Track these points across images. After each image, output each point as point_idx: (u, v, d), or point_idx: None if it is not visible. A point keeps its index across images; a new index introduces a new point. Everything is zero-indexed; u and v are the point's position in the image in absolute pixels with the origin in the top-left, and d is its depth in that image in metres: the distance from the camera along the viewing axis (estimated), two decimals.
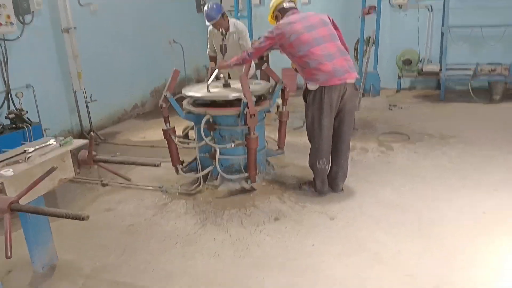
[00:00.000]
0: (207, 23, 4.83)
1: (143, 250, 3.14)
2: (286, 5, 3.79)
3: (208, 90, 4.15)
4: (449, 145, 5.07)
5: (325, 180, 3.85)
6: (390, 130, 5.76)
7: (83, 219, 1.94)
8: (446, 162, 4.56)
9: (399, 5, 8.12)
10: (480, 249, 2.95)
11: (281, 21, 3.70)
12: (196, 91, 4.19)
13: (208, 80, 4.31)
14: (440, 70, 7.44)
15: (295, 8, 3.83)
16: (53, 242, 2.99)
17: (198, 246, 3.14)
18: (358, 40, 8.11)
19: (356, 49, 8.38)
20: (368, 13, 7.17)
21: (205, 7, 4.77)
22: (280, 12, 3.81)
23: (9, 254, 1.94)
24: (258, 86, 4.35)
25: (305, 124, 3.90)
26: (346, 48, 3.73)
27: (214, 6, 4.69)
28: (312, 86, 3.57)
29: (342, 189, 3.91)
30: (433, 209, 3.55)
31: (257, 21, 8.54)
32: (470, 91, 7.05)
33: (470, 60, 7.56)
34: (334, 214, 3.52)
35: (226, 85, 4.30)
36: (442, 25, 7.59)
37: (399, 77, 8.06)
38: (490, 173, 4.19)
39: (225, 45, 4.36)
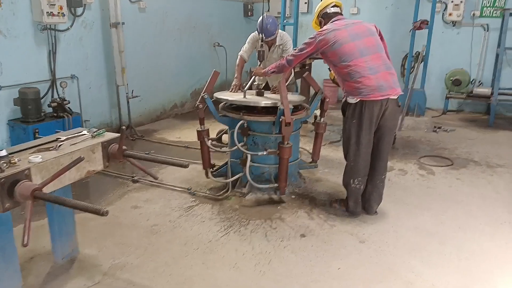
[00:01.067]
0: (263, 38, 4.18)
1: (163, 252, 3.07)
2: (330, 10, 3.59)
3: (245, 96, 4.07)
4: (496, 174, 4.72)
5: (359, 200, 3.62)
6: (433, 153, 5.45)
7: (102, 214, 1.88)
8: (492, 192, 4.23)
9: (453, 22, 7.78)
10: None
11: (324, 27, 3.49)
12: (229, 96, 4.14)
13: (245, 86, 4.24)
14: (492, 94, 7.01)
15: (341, 14, 3.62)
16: (75, 234, 2.98)
17: (219, 255, 3.04)
18: (406, 55, 7.82)
19: (403, 65, 8.08)
20: (420, 27, 6.87)
21: (260, 20, 4.28)
22: (323, 18, 3.62)
23: (25, 242, 1.89)
24: (295, 96, 4.22)
25: (342, 139, 3.71)
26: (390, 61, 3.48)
27: (270, 20, 4.27)
28: (352, 99, 3.35)
29: (376, 212, 3.67)
30: (474, 241, 3.27)
31: (303, 29, 8.45)
32: None
33: None
34: (365, 237, 3.31)
35: (260, 94, 4.20)
36: (498, 46, 7.17)
37: (447, 98, 7.67)
38: None
39: (263, 51, 4.18)
